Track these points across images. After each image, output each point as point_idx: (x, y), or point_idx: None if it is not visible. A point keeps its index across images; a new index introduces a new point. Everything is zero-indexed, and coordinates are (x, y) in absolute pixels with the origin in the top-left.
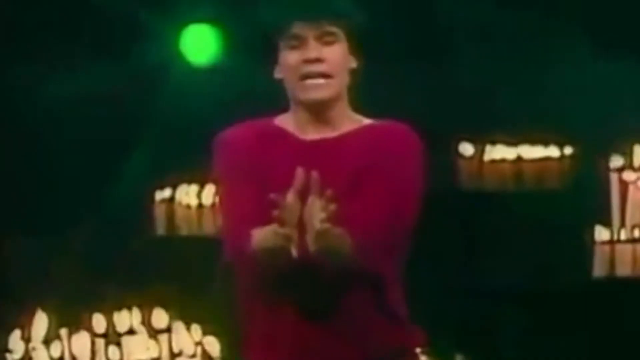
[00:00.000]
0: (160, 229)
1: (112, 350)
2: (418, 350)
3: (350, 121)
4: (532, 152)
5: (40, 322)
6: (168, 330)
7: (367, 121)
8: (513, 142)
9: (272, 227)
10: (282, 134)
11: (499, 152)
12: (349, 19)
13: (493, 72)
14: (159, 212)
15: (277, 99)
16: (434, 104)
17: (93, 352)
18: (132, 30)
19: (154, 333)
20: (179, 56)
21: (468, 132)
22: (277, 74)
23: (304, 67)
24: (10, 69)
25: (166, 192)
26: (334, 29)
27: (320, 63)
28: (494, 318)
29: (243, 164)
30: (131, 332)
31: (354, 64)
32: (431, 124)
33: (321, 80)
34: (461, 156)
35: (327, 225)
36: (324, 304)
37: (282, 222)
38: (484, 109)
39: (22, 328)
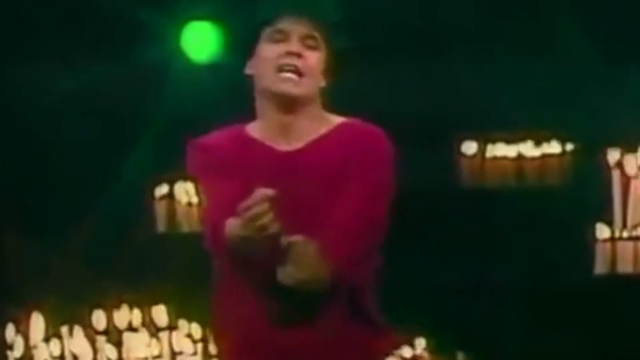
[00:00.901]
0: (161, 226)
1: (113, 348)
2: (391, 354)
3: (320, 124)
4: (533, 149)
5: (39, 320)
6: (169, 328)
7: (337, 121)
8: (514, 140)
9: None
10: (255, 144)
11: (500, 149)
12: (330, 35)
13: (494, 70)
14: (160, 209)
15: None
16: (435, 102)
17: (94, 350)
18: (132, 29)
19: (154, 331)
20: (179, 54)
21: (469, 130)
22: (249, 70)
23: (284, 59)
24: (10, 67)
25: (166, 189)
26: (317, 34)
27: (300, 58)
28: (495, 316)
29: (220, 165)
30: (132, 329)
31: (323, 82)
32: (432, 122)
33: (295, 77)
34: (463, 154)
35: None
36: (297, 313)
37: (251, 219)
38: (485, 107)
39: (22, 326)
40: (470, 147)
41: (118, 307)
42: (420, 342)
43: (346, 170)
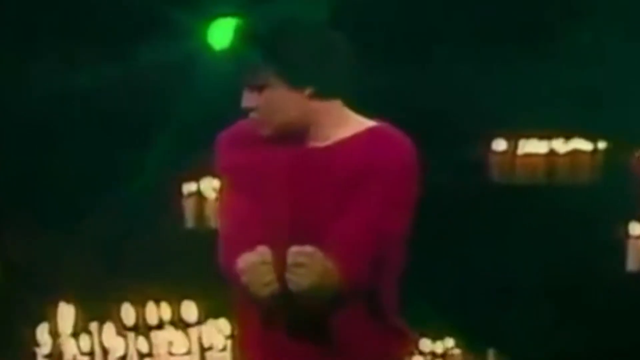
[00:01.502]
0: (190, 222)
1: (142, 343)
2: (406, 358)
3: (344, 128)
4: (564, 146)
5: (67, 316)
6: (198, 323)
7: (364, 125)
8: (545, 137)
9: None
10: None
11: (531, 146)
12: (276, 61)
13: (526, 68)
14: (188, 205)
15: None
16: (467, 100)
17: (123, 346)
18: (156, 24)
19: (183, 327)
20: (202, 49)
21: (500, 127)
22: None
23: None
24: (33, 63)
25: (195, 185)
26: (262, 75)
27: (253, 111)
28: (526, 313)
29: (240, 166)
30: (161, 325)
31: (306, 91)
32: (464, 120)
33: (257, 124)
34: (493, 151)
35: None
36: (312, 323)
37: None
38: (517, 104)
39: (50, 322)
40: (500, 144)
41: (147, 303)
42: (451, 340)
43: (367, 177)
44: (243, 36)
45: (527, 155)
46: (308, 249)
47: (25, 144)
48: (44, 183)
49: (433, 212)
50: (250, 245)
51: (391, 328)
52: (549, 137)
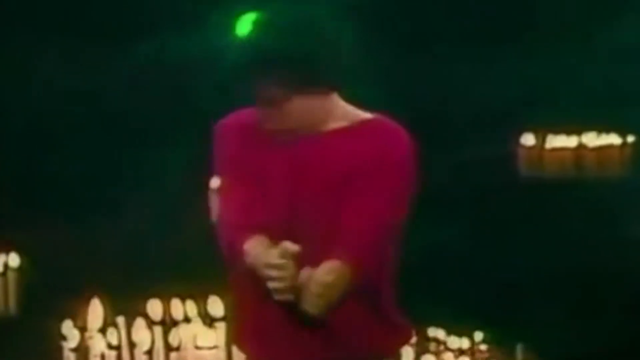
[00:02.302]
0: (216, 217)
1: (170, 338)
2: (402, 348)
3: (342, 119)
4: (593, 140)
5: (96, 311)
6: (224, 318)
7: (361, 116)
8: (575, 131)
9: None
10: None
11: (560, 140)
12: (302, 62)
13: (556, 62)
14: (214, 200)
15: None
16: (496, 94)
17: (151, 340)
18: (180, 19)
19: (210, 321)
20: (227, 45)
21: (530, 121)
22: None
23: (263, 125)
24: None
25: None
26: (287, 79)
27: (279, 118)
28: (554, 307)
29: (238, 155)
30: (187, 320)
31: (325, 87)
32: (492, 114)
33: (282, 135)
34: (522, 146)
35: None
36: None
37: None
38: (547, 99)
39: (78, 317)
40: (529, 139)
41: (173, 298)
42: (479, 335)
43: (367, 167)
44: (266, 30)
45: (556, 150)
46: (324, 278)
47: (52, 138)
48: (73, 178)
49: (463, 208)
50: (252, 229)
51: (387, 320)
52: (578, 131)
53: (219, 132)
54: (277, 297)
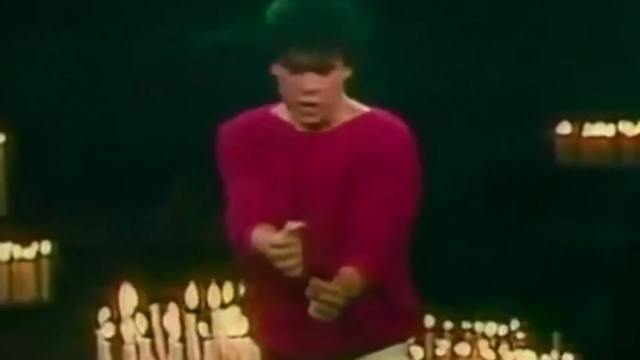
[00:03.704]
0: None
1: (203, 325)
2: (411, 340)
3: (345, 113)
4: (631, 128)
5: (129, 298)
6: None
7: (362, 111)
8: (612, 119)
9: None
10: (279, 122)
11: (597, 129)
12: (345, 42)
13: (594, 50)
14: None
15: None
16: (533, 82)
17: (183, 328)
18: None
19: (244, 309)
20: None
21: (567, 109)
22: (274, 71)
23: (300, 96)
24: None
25: None
26: (330, 56)
27: (314, 95)
28: (591, 297)
29: (244, 154)
30: (223, 306)
31: (348, 73)
32: (529, 102)
33: (312, 109)
34: (559, 134)
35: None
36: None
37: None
38: (584, 86)
39: (112, 305)
40: (565, 127)
41: (209, 284)
42: (515, 322)
43: (373, 162)
44: (311, 15)
45: (593, 138)
46: (331, 287)
47: (83, 126)
48: (107, 167)
49: (500, 197)
50: (261, 220)
51: (397, 307)
52: (615, 119)
53: (223, 133)
54: (287, 274)
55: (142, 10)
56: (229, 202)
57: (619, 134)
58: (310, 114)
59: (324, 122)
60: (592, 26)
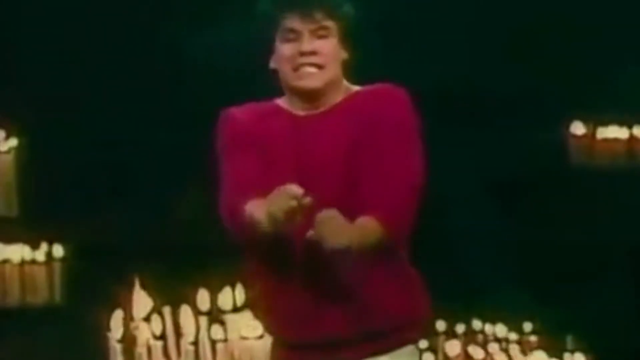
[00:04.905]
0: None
1: (216, 328)
2: (422, 322)
3: (344, 94)
4: None
5: (142, 300)
6: None
7: (354, 88)
8: (626, 122)
9: (264, 208)
10: (278, 110)
11: (611, 131)
12: (341, 12)
13: (608, 52)
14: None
15: (364, 73)
16: (546, 82)
17: (196, 330)
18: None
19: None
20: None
21: (581, 110)
22: (272, 65)
23: (299, 59)
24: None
25: None
26: (327, 23)
27: (314, 55)
28: (605, 300)
29: (243, 136)
30: (235, 309)
31: (345, 55)
32: (543, 102)
33: (314, 70)
34: (572, 135)
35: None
36: (326, 279)
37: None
38: (598, 88)
39: (124, 307)
40: (579, 128)
41: (222, 286)
42: (528, 325)
43: (370, 133)
44: None
45: (607, 140)
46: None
47: (97, 128)
48: (118, 170)
49: (513, 197)
50: (256, 195)
51: (406, 290)
52: (629, 122)
53: (224, 117)
54: (292, 228)
55: (143, 12)
56: (224, 179)
57: (632, 137)
58: (311, 75)
59: (323, 102)
60: (609, 31)
